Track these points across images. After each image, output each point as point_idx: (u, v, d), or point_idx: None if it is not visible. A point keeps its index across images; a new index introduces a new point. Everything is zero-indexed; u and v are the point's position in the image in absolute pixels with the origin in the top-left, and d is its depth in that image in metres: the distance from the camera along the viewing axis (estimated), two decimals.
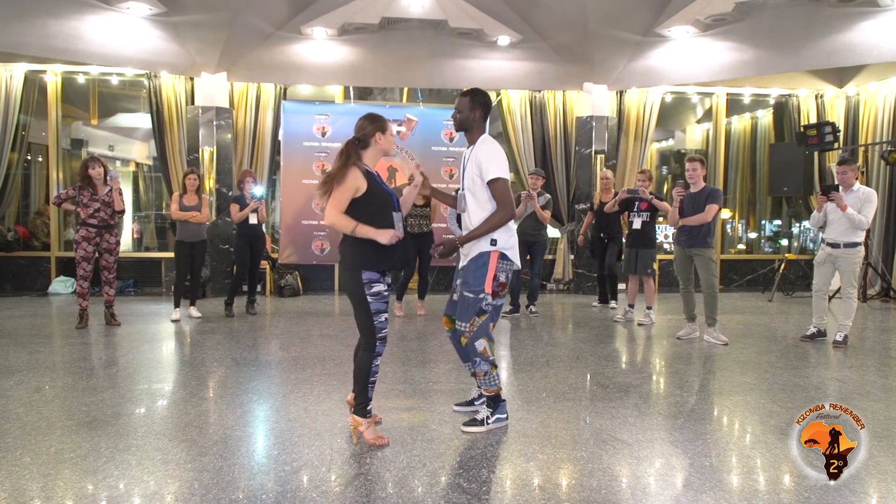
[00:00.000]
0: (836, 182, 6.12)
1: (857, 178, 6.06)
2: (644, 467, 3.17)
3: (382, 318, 3.37)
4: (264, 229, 7.80)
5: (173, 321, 7.12)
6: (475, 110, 3.63)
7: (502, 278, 3.57)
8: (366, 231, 3.26)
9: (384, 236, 3.25)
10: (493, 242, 3.53)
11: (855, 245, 5.93)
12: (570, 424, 3.77)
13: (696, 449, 3.40)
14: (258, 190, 7.59)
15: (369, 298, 3.32)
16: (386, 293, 3.38)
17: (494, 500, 2.78)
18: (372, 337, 3.36)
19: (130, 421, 3.76)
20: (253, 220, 7.51)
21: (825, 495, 2.81)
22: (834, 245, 6.00)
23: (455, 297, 3.67)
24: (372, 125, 3.42)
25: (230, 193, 9.41)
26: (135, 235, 11.37)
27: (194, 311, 7.45)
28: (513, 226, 3.65)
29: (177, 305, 7.29)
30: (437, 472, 3.08)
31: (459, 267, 3.73)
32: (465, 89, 3.74)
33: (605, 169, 9.08)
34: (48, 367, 5.03)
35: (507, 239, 3.58)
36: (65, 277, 9.47)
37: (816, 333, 6.22)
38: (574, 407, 4.10)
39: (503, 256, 3.55)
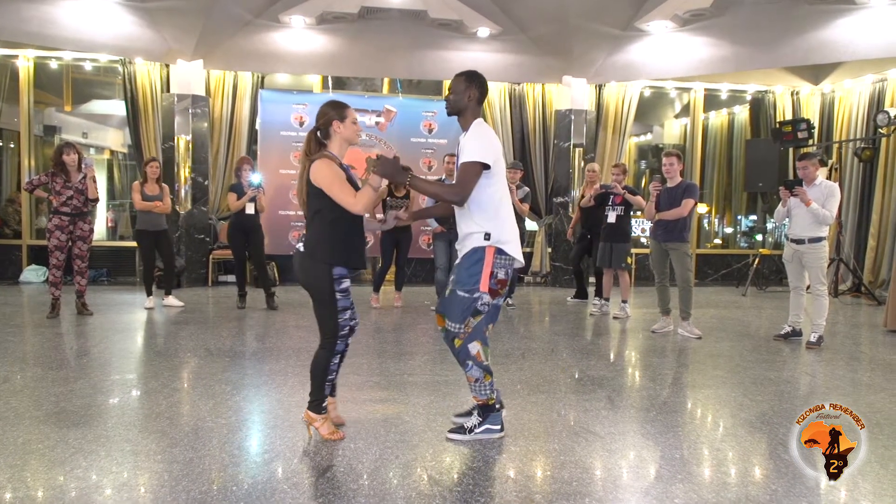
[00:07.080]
0: (799, 176, 5.94)
1: (818, 172, 5.91)
2: (615, 459, 3.19)
3: (347, 316, 3.28)
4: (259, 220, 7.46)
5: (147, 309, 7.10)
6: (470, 90, 3.29)
7: (501, 275, 3.23)
8: (375, 182, 3.19)
9: (374, 184, 3.18)
10: (487, 237, 3.21)
11: (819, 240, 5.76)
12: (543, 417, 3.79)
13: (668, 441, 3.43)
14: (256, 178, 7.32)
15: (338, 295, 3.23)
16: (349, 290, 3.30)
17: (466, 493, 2.78)
18: (334, 336, 3.27)
19: (100, 412, 3.71)
20: (250, 209, 7.27)
21: (792, 487, 2.86)
22: (798, 241, 5.85)
23: (447, 293, 3.34)
24: (329, 113, 3.25)
25: (205, 183, 9.31)
26: (109, 224, 11.20)
27: (173, 301, 7.35)
28: (508, 217, 3.31)
29: (149, 294, 7.24)
30: (409, 464, 3.08)
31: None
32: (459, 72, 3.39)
33: (591, 162, 9.07)
34: (18, 356, 4.95)
35: (502, 232, 3.24)
36: (36, 266, 9.32)
37: (791, 332, 6.06)
38: (548, 399, 4.12)
39: (499, 251, 3.23)
